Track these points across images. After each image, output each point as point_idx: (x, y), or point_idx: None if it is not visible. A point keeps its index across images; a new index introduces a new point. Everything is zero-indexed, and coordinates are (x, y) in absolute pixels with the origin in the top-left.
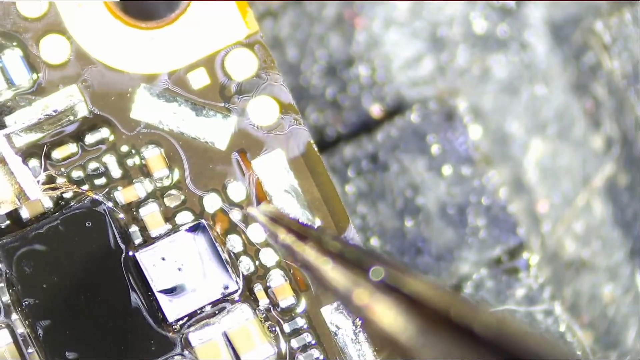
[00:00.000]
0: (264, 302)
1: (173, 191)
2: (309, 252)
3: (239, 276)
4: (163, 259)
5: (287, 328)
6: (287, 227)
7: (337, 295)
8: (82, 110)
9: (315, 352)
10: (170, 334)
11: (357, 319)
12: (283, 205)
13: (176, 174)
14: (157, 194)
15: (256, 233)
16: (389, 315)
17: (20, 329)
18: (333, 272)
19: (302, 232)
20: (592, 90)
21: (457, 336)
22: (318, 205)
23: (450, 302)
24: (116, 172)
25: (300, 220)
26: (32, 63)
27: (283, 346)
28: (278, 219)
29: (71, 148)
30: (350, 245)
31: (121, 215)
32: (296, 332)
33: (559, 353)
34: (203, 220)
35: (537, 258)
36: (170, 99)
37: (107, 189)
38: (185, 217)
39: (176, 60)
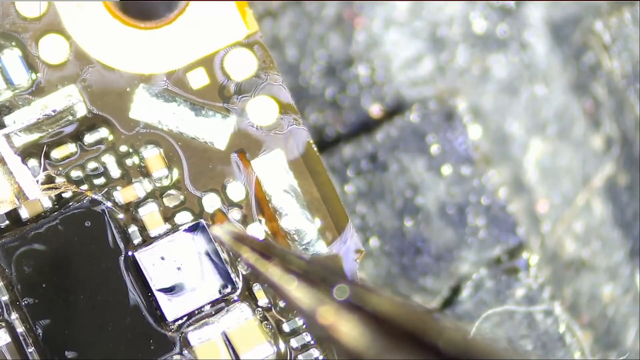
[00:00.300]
0: (263, 301)
1: (172, 191)
2: (273, 271)
3: (238, 276)
4: (162, 258)
5: (286, 328)
6: (251, 246)
7: (301, 314)
8: (81, 110)
9: (315, 352)
10: (170, 333)
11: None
12: (282, 205)
13: (175, 174)
14: (157, 194)
15: (255, 233)
16: (354, 334)
17: (20, 329)
18: (297, 291)
19: (265, 251)
20: (592, 90)
21: (423, 354)
22: (317, 205)
23: (416, 320)
24: (115, 172)
25: (262, 240)
26: (31, 63)
27: (282, 346)
28: (241, 239)
29: (70, 148)
30: (315, 264)
31: (120, 215)
32: (295, 332)
33: None
34: (202, 220)
35: (537, 258)
36: (170, 99)
37: (106, 189)
38: (184, 217)
39: (175, 60)
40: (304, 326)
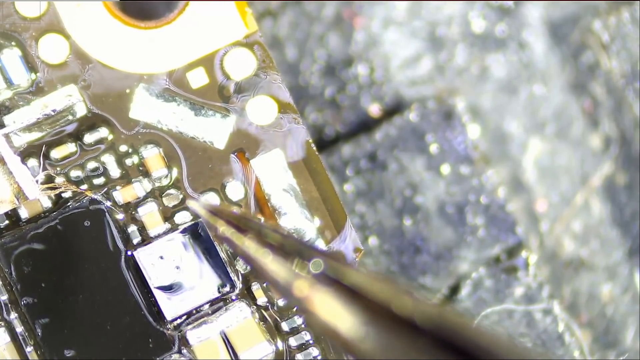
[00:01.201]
0: (262, 300)
1: (172, 190)
2: (249, 244)
3: (237, 275)
4: (161, 258)
5: (285, 326)
6: (227, 219)
7: (276, 287)
8: (81, 110)
9: (314, 351)
10: (168, 332)
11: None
12: (281, 204)
13: (175, 174)
14: (156, 194)
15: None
16: (329, 307)
17: (19, 328)
18: (273, 264)
19: (241, 224)
20: (591, 89)
21: (398, 327)
22: (317, 205)
23: (391, 293)
24: (115, 171)
25: (238, 213)
26: (31, 63)
27: (281, 344)
28: (217, 212)
29: (70, 148)
30: (290, 237)
31: (120, 215)
32: (294, 331)
33: (498, 344)
34: (201, 220)
35: (536, 257)
36: (169, 99)
37: (105, 189)
38: (183, 217)
39: (175, 60)
40: (303, 325)
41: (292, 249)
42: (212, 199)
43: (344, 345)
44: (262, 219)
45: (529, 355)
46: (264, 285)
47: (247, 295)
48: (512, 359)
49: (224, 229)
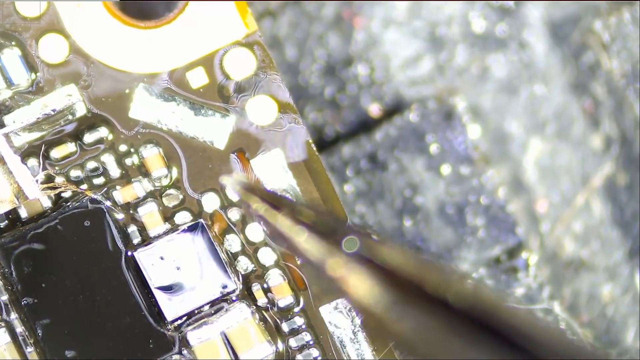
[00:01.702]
0: (262, 301)
1: (172, 191)
2: (283, 222)
3: (237, 276)
4: (162, 258)
5: (285, 327)
6: (261, 196)
7: (310, 266)
8: (81, 110)
9: (314, 352)
10: (169, 333)
11: (356, 317)
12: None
13: (175, 174)
14: (156, 194)
15: (254, 233)
16: (363, 286)
17: (19, 328)
18: (307, 243)
19: (275, 202)
20: (591, 89)
21: (432, 306)
22: (316, 205)
23: (425, 273)
24: (115, 171)
25: (274, 191)
26: (31, 62)
27: (281, 345)
28: (251, 189)
29: (70, 147)
30: (324, 215)
31: (120, 215)
32: (295, 332)
33: (533, 324)
34: (201, 220)
35: (536, 258)
36: (169, 99)
37: (105, 189)
38: (183, 217)
39: (175, 60)
40: (304, 326)
41: (326, 227)
42: (213, 199)
43: (378, 324)
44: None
45: (564, 336)
46: (265, 286)
47: (248, 296)
48: (546, 339)
49: (257, 205)
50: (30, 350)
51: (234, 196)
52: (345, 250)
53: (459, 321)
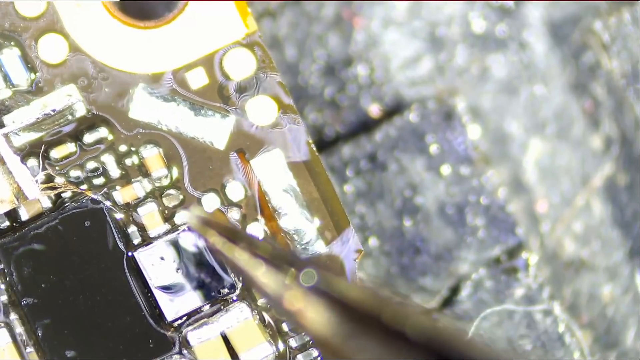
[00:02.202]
0: (262, 301)
1: (172, 191)
2: (240, 256)
3: (237, 276)
4: (162, 258)
5: (285, 327)
6: (218, 230)
7: (268, 299)
8: (81, 110)
9: (314, 351)
10: (169, 333)
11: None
12: (281, 204)
13: (175, 174)
14: (156, 194)
15: (254, 233)
16: (321, 319)
17: (19, 329)
18: (264, 276)
19: (233, 236)
20: (591, 89)
21: (390, 339)
22: (317, 205)
23: (382, 305)
24: (115, 171)
25: (231, 225)
26: (31, 62)
27: (281, 345)
28: (208, 223)
29: (70, 148)
30: (281, 248)
31: (120, 215)
32: (295, 331)
33: (489, 355)
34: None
35: (536, 258)
36: (169, 99)
37: (105, 189)
38: (184, 217)
39: (174, 60)
40: None
41: (284, 260)
42: (213, 199)
43: (334, 356)
44: (263, 220)
45: None
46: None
47: (248, 296)
48: None
49: (214, 239)
50: (30, 350)
51: (191, 230)
52: (303, 283)
53: (417, 353)
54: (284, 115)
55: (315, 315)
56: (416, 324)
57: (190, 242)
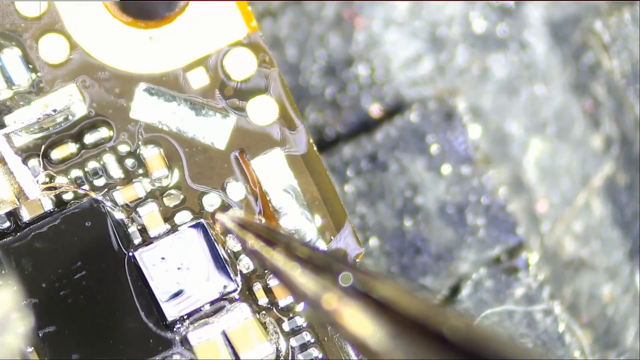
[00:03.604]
0: (263, 301)
1: (172, 191)
2: (278, 258)
3: (238, 275)
4: (162, 258)
5: (286, 327)
6: (256, 233)
7: (306, 301)
8: (82, 110)
9: (315, 351)
10: (170, 333)
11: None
12: (282, 204)
13: (175, 174)
14: (157, 194)
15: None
16: (358, 320)
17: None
18: (302, 278)
19: (270, 238)
20: (592, 89)
21: (427, 340)
22: (317, 205)
23: (420, 306)
24: (115, 172)
25: (268, 226)
26: (32, 62)
27: (282, 345)
28: (246, 225)
29: (70, 148)
30: (319, 250)
31: (120, 215)
32: (295, 331)
33: (527, 356)
34: (202, 220)
35: (537, 257)
36: (170, 99)
37: (106, 189)
38: (184, 217)
39: (175, 60)
40: (304, 325)
41: (321, 261)
42: (213, 199)
43: (371, 357)
44: (263, 220)
45: None
46: (266, 286)
47: (249, 296)
48: None
49: (252, 242)
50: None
51: (229, 232)
52: (341, 284)
53: (454, 355)
54: (284, 116)
55: (353, 315)
56: (453, 325)
57: (190, 242)
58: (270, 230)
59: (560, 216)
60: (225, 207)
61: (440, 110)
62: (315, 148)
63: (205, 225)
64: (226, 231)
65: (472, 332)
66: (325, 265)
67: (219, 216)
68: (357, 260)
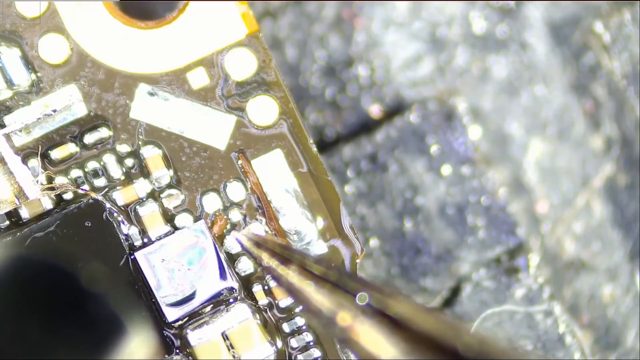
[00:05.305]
0: (263, 302)
1: (172, 191)
2: (293, 275)
3: (237, 276)
4: (162, 259)
5: (286, 328)
6: (271, 250)
7: (321, 317)
8: (81, 110)
9: (315, 352)
10: (170, 333)
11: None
12: (282, 205)
13: (176, 174)
14: (156, 194)
15: (259, 231)
16: (372, 337)
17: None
18: (317, 295)
19: (285, 255)
20: (592, 90)
21: (441, 357)
22: (317, 206)
23: (434, 324)
24: (115, 172)
25: (283, 244)
26: (31, 63)
27: (282, 346)
28: (262, 243)
29: (70, 148)
30: (333, 267)
31: (120, 216)
32: (295, 332)
33: None
34: (202, 221)
35: (537, 258)
36: (170, 99)
37: (106, 189)
38: (184, 218)
39: (175, 60)
40: (303, 327)
41: (336, 279)
42: (213, 199)
43: None
44: (264, 220)
45: None
46: (266, 288)
47: (249, 297)
48: None
49: (268, 260)
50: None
51: (245, 250)
52: (358, 303)
53: None
54: (284, 116)
55: (368, 332)
56: (467, 341)
57: (190, 243)
58: (285, 247)
59: (561, 217)
60: (225, 207)
61: (441, 111)
62: (315, 148)
63: (205, 225)
64: (242, 249)
65: (485, 349)
66: (339, 282)
67: (235, 234)
68: (357, 260)
